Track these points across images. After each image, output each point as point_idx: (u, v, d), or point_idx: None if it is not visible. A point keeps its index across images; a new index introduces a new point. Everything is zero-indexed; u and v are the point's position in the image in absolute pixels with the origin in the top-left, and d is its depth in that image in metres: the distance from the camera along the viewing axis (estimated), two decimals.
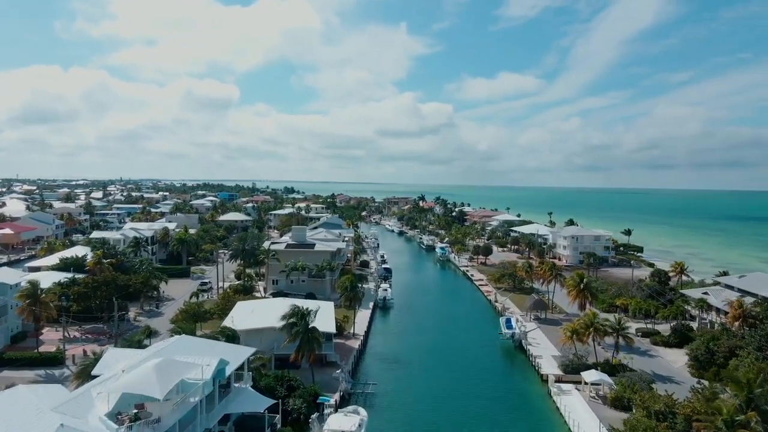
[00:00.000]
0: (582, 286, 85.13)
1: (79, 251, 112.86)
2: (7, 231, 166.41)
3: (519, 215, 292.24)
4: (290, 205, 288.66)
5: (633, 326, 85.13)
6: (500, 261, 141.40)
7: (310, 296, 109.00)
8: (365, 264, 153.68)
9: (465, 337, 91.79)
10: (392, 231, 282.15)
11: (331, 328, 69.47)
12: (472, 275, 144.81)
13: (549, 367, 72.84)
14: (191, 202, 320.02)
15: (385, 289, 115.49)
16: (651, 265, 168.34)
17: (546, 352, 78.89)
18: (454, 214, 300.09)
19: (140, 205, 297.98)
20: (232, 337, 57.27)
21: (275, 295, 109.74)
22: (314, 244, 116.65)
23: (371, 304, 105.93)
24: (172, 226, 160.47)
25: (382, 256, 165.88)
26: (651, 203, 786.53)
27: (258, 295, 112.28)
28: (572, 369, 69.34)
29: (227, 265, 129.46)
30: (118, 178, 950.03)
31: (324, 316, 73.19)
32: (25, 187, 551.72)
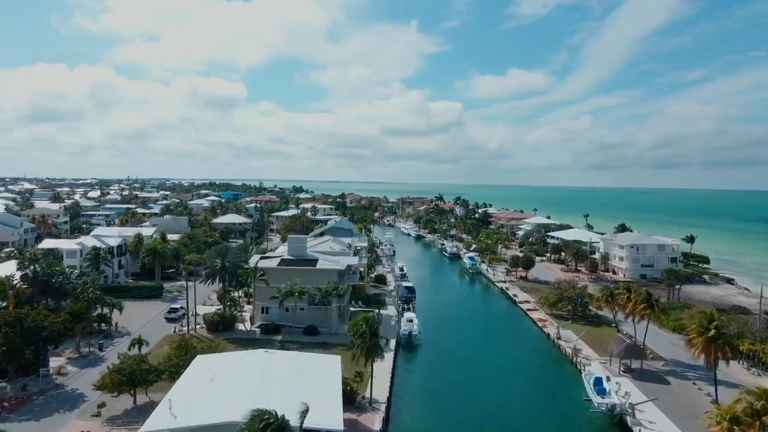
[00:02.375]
0: (715, 334, 56.25)
1: (6, 269, 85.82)
2: None
3: (549, 217, 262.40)
4: (295, 206, 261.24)
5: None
6: (555, 280, 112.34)
7: (311, 330, 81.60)
8: (381, 279, 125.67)
9: (530, 404, 63.43)
10: (408, 235, 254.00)
11: (337, 421, 41.48)
12: (515, 296, 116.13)
13: None
14: (188, 202, 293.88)
15: (410, 320, 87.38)
16: (730, 281, 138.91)
17: None
18: (477, 216, 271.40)
19: (134, 206, 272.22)
20: None
21: (264, 329, 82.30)
22: (316, 260, 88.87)
23: (393, 343, 78.08)
24: (148, 231, 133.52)
25: (402, 269, 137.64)
26: (667, 202, 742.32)
27: (242, 327, 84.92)
28: None
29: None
30: (126, 177, 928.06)
31: (324, 395, 45.39)
32: (26, 185, 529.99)
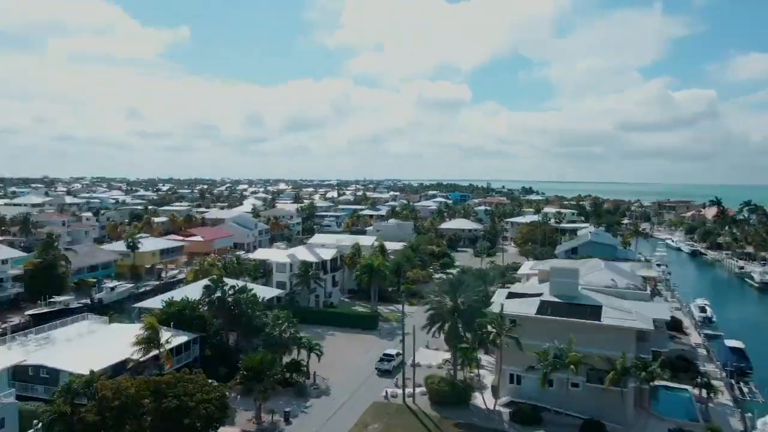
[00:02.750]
0: None
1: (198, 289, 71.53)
2: (198, 238, 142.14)
3: None
4: (532, 210, 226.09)
5: None
6: None
7: (593, 426, 49.29)
8: (674, 325, 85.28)
9: None
10: (678, 249, 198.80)
11: None
12: None
13: None
14: (415, 204, 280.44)
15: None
16: None
17: None
18: None
19: (363, 207, 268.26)
20: None
21: (516, 414, 52.72)
22: (600, 307, 55.74)
23: None
24: (368, 241, 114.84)
25: (703, 310, 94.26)
26: None
27: (479, 400, 56.55)
28: None
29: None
30: (362, 179, 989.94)
31: None
32: (281, 186, 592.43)
